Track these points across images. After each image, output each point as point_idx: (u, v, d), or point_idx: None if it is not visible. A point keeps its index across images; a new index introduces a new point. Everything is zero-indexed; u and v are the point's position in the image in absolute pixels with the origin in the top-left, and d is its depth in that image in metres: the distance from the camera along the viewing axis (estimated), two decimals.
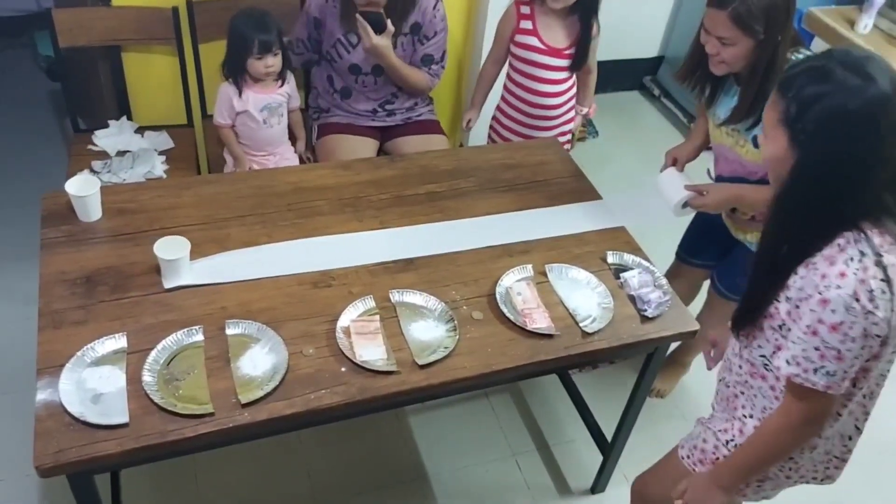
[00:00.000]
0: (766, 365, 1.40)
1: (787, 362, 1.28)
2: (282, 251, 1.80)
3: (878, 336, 1.22)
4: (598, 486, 2.23)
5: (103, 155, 2.48)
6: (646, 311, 1.74)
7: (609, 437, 2.13)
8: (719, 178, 2.05)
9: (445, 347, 1.60)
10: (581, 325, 1.70)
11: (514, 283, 1.78)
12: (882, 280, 1.20)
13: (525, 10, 2.38)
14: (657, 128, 3.92)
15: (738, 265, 2.15)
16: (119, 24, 2.44)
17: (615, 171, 3.46)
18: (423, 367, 1.55)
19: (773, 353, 1.36)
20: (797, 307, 1.27)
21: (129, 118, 2.63)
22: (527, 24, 2.38)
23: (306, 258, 1.78)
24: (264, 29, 2.22)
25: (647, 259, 1.90)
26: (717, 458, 1.51)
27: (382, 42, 2.28)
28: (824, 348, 1.23)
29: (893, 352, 1.34)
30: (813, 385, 1.26)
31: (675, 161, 2.10)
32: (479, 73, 2.61)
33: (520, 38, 2.40)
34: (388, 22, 2.27)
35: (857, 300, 1.19)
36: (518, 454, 2.32)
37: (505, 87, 2.56)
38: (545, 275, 1.82)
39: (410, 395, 1.55)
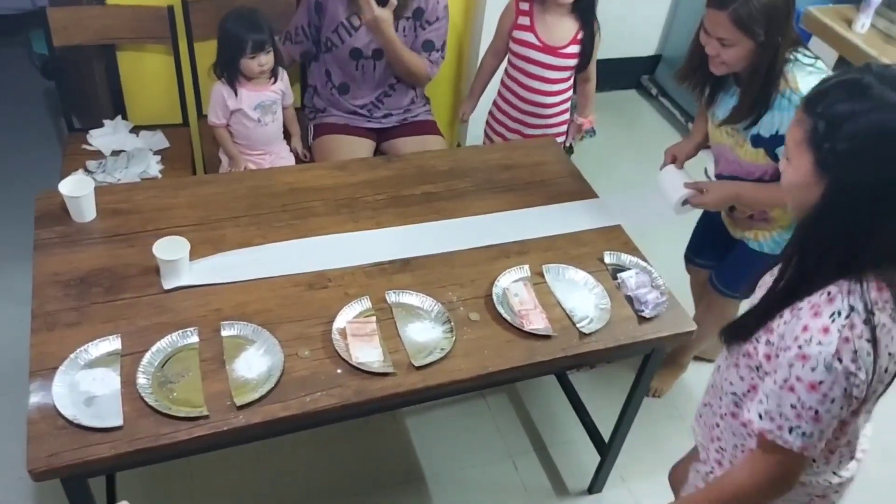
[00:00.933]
0: (738, 402, 1.33)
1: (760, 416, 1.19)
2: (281, 252, 1.79)
3: (857, 398, 1.14)
4: (595, 486, 2.22)
5: (98, 154, 2.46)
6: (643, 311, 1.74)
7: (606, 438, 2.13)
8: (719, 178, 2.05)
9: (442, 349, 1.59)
10: (578, 325, 1.69)
11: (511, 284, 1.77)
12: (868, 341, 1.11)
13: (524, 6, 2.37)
14: (654, 127, 3.91)
15: (737, 263, 2.15)
16: (114, 22, 2.43)
17: (612, 170, 3.45)
18: (419, 368, 1.55)
19: (746, 392, 1.29)
20: (777, 355, 1.19)
21: (125, 117, 2.62)
22: (524, 21, 2.37)
23: (308, 259, 1.77)
24: (256, 28, 2.21)
25: (644, 259, 1.89)
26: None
27: (384, 15, 2.27)
28: (801, 408, 1.14)
29: (874, 402, 1.26)
30: (785, 444, 1.17)
31: (675, 159, 2.10)
32: (479, 64, 2.60)
33: (517, 33, 2.40)
34: None
35: (840, 360, 1.10)
36: (515, 455, 2.31)
37: (502, 81, 2.55)
38: (542, 275, 1.81)
39: (407, 397, 1.54)
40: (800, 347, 1.13)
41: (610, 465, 2.16)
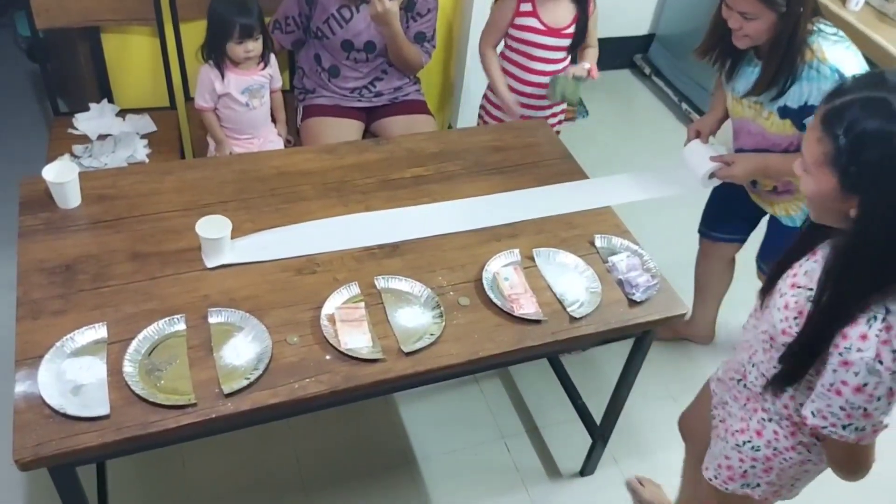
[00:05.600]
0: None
1: (813, 414, 1.23)
2: (321, 229, 1.79)
3: None
4: (587, 468, 2.23)
5: (84, 139, 2.43)
6: (633, 295, 1.73)
7: (598, 420, 2.13)
8: (740, 151, 2.06)
9: (431, 334, 1.58)
10: (568, 309, 1.68)
11: (502, 268, 1.76)
12: None
13: None
14: (648, 106, 3.89)
15: (777, 242, 2.15)
16: (97, 4, 2.38)
17: (605, 150, 3.43)
18: (408, 354, 1.54)
19: None
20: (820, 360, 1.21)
21: (111, 101, 2.58)
22: (527, 7, 2.34)
23: (378, 231, 1.80)
24: (245, 12, 2.17)
25: (635, 242, 1.88)
26: (745, 472, 1.47)
27: (393, 8, 2.27)
28: (850, 408, 1.17)
29: None
30: (841, 438, 1.21)
31: (699, 134, 2.11)
32: (486, 63, 2.45)
33: (520, 20, 2.36)
34: None
35: (881, 362, 1.12)
36: (507, 437, 2.31)
37: (508, 63, 2.50)
38: (533, 259, 1.80)
39: (396, 383, 1.53)
40: (840, 355, 1.15)
41: (602, 447, 2.17)
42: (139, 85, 2.63)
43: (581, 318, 1.67)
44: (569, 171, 2.13)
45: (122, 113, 2.54)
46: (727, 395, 1.52)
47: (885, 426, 1.20)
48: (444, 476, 2.18)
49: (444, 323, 1.60)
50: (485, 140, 2.22)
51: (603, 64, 3.93)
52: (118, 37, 2.52)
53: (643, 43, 4.05)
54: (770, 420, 1.41)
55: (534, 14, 2.34)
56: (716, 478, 1.53)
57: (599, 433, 2.12)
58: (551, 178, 2.08)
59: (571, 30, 2.37)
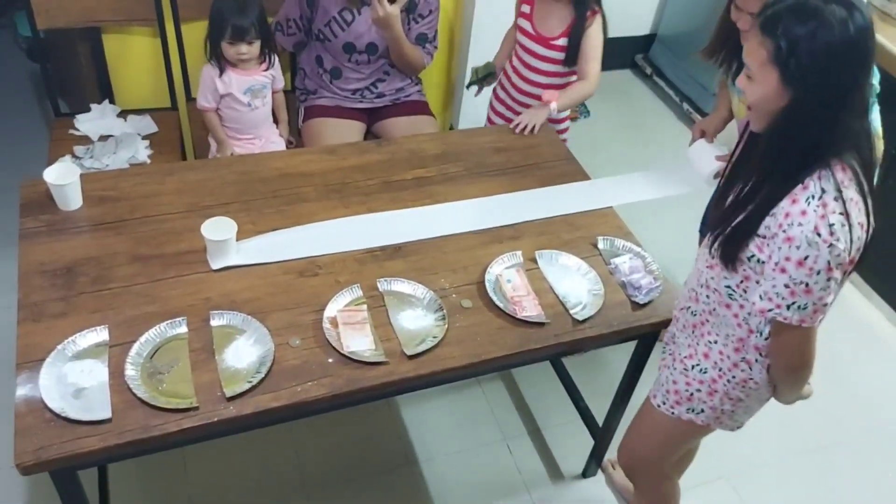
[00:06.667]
0: (731, 294, 1.43)
1: (761, 297, 1.34)
2: (327, 230, 1.80)
3: (840, 266, 1.27)
4: (589, 469, 2.22)
5: (86, 140, 2.43)
6: (636, 297, 1.73)
7: (600, 421, 2.12)
8: None
9: (434, 337, 1.57)
10: (571, 312, 1.68)
11: (504, 271, 1.75)
12: (841, 213, 1.26)
13: None
14: (649, 107, 3.88)
15: None
16: (97, 4, 2.38)
17: (607, 151, 3.43)
18: (411, 357, 1.53)
19: (740, 283, 1.40)
20: (768, 245, 1.32)
21: (112, 101, 2.58)
22: (526, 8, 2.33)
23: (376, 234, 1.80)
24: (242, 14, 2.16)
25: (637, 244, 1.88)
26: (692, 395, 1.56)
27: (395, 11, 2.26)
28: (793, 284, 1.28)
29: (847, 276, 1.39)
30: (786, 320, 1.31)
31: (703, 134, 2.12)
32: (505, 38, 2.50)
33: (519, 20, 2.35)
34: None
35: (819, 234, 1.24)
36: (509, 438, 2.31)
37: (509, 62, 2.48)
38: (535, 261, 1.79)
39: (399, 386, 1.53)
40: (784, 231, 1.28)
41: (604, 449, 2.16)
42: (140, 85, 2.62)
43: (584, 321, 1.66)
44: (571, 172, 2.13)
45: (123, 114, 2.54)
46: (675, 328, 1.63)
47: (826, 306, 1.31)
48: (447, 478, 2.18)
49: (446, 325, 1.60)
50: (487, 141, 2.22)
51: (604, 64, 3.93)
52: (119, 37, 2.52)
53: (644, 43, 4.05)
54: (716, 342, 1.50)
55: (529, 17, 2.32)
56: (663, 403, 1.63)
57: (601, 435, 2.12)
58: (553, 180, 2.08)
59: (562, 42, 2.27)
